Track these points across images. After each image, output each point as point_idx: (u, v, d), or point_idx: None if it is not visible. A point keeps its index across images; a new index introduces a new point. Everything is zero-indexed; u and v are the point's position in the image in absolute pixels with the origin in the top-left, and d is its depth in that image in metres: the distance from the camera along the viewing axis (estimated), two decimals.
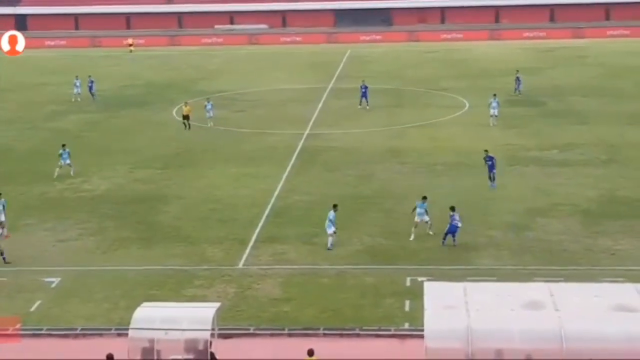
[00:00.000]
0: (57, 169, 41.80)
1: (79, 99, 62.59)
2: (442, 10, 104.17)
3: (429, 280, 25.77)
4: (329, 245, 31.51)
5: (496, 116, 51.76)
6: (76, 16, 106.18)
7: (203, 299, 26.81)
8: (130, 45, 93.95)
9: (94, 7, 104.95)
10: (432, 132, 50.36)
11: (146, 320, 21.49)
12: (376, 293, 27.43)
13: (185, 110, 52.14)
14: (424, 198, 32.81)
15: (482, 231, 32.90)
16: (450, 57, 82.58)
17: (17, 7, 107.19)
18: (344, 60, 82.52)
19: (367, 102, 57.47)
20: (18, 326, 24.90)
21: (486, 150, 39.50)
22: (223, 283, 28.50)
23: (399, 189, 38.68)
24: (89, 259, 30.92)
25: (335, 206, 32.04)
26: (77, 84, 63.17)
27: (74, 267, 30.11)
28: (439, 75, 71.11)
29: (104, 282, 28.79)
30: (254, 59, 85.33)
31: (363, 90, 57.73)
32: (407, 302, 26.34)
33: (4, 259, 30.51)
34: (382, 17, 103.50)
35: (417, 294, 24.44)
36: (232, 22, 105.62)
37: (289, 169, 42.72)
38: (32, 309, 26.65)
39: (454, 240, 31.43)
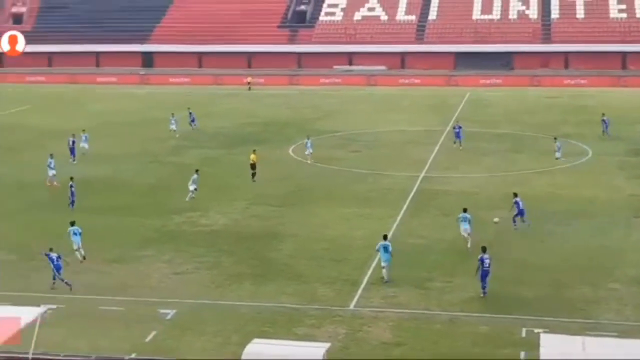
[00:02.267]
0: (190, 193, 43.80)
1: (176, 135, 64.28)
2: (566, 55, 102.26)
3: (545, 332, 25.12)
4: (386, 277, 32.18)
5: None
6: (200, 55, 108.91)
7: (313, 338, 26.75)
8: (249, 83, 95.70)
9: (217, 46, 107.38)
10: (552, 179, 49.27)
11: (257, 356, 21.58)
12: (490, 342, 26.83)
13: (252, 158, 49.82)
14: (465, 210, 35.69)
15: (604, 284, 31.82)
16: (572, 103, 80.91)
17: (145, 45, 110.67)
18: (462, 103, 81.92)
19: (460, 142, 58.14)
20: (133, 355, 25.35)
21: (515, 194, 39.75)
22: (334, 324, 28.40)
23: (515, 237, 37.91)
24: (203, 293, 31.33)
25: (385, 236, 33.16)
26: (173, 120, 65.35)
27: (189, 299, 30.55)
28: (560, 121, 69.70)
29: (217, 316, 29.10)
30: (371, 100, 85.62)
31: (457, 130, 58.82)
32: (523, 354, 25.63)
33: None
34: (503, 61, 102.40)
35: (533, 345, 23.81)
36: (350, 63, 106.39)
37: (403, 211, 42.46)
38: (148, 339, 27.11)
39: (483, 287, 30.49)
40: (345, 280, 32.56)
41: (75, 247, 34.98)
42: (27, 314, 22.28)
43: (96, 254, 35.75)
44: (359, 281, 32.40)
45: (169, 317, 28.95)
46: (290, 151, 58.11)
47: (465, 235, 36.04)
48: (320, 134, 64.70)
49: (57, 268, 31.83)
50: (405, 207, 43.26)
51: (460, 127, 59.06)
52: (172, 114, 66.49)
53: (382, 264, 32.38)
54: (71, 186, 43.12)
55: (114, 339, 27.15)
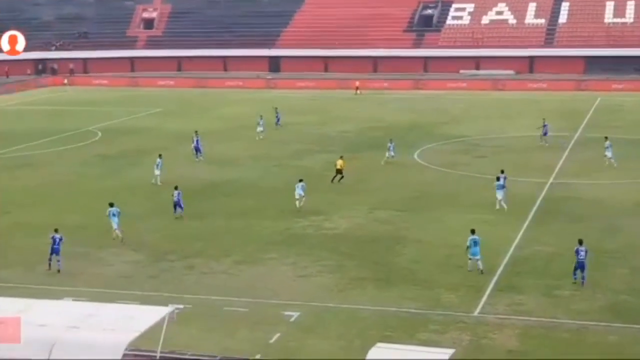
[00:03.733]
0: (297, 201, 43.60)
1: (261, 137, 65.32)
2: None
3: None
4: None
5: (609, 157, 52.54)
6: (326, 59, 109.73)
7: (437, 344, 26.44)
8: (357, 87, 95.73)
9: (343, 50, 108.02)
10: None
11: None
12: (619, 353, 26.00)
13: (340, 163, 49.68)
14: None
15: None
16: None
17: (272, 50, 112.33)
18: (592, 108, 79.75)
19: (545, 139, 60.80)
20: (258, 357, 25.66)
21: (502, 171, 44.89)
22: (458, 330, 28.05)
23: None
24: (326, 296, 31.44)
25: (473, 230, 33.98)
26: (261, 122, 66.30)
27: (312, 302, 30.71)
28: None
29: (340, 319, 29.16)
30: (498, 105, 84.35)
31: (544, 127, 61.32)
32: None
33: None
34: (636, 65, 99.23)
35: None
36: (477, 68, 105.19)
37: (530, 217, 41.62)
38: (272, 340, 27.40)
39: (582, 277, 31.62)
40: (469, 286, 32.12)
41: (114, 227, 37.84)
42: (155, 314, 22.80)
43: (222, 256, 36.47)
44: (483, 287, 31.91)
45: (292, 319, 29.17)
46: (415, 156, 57.80)
47: (499, 199, 42.86)
48: (446, 138, 64.14)
49: (56, 251, 34.02)
50: (532, 213, 42.40)
51: (546, 125, 61.05)
52: (261, 115, 67.71)
53: (474, 257, 33.34)
54: (177, 194, 42.69)
55: (239, 340, 27.57)
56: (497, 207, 42.81)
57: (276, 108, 72.45)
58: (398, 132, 67.90)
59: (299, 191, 43.58)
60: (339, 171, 49.57)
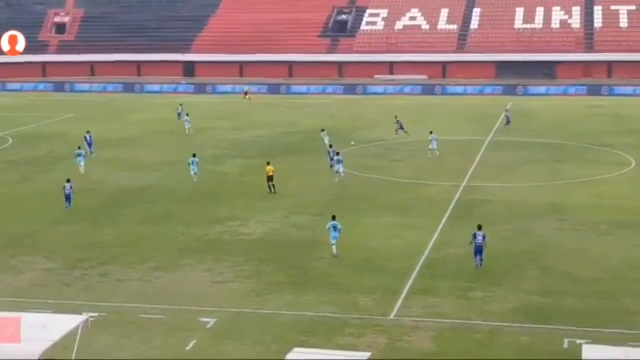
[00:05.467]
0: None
1: (191, 132, 69.99)
2: (609, 64, 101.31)
3: (587, 343, 24.88)
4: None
5: (433, 149, 57.82)
6: (241, 64, 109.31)
7: (354, 347, 26.69)
8: (247, 92, 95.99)
9: (258, 55, 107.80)
10: (595, 189, 48.73)
11: None
12: (531, 353, 26.60)
13: (269, 170, 48.74)
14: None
15: None
16: (616, 112, 79.98)
17: (186, 54, 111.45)
18: (504, 112, 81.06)
19: (400, 132, 66.05)
20: None
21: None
22: (374, 333, 28.32)
23: (558, 246, 37.61)
24: (243, 302, 31.40)
25: (334, 217, 36.74)
26: (187, 119, 71.15)
27: (229, 308, 30.64)
28: (603, 131, 68.93)
29: (257, 325, 29.14)
30: (412, 109, 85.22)
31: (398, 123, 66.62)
32: None
33: None
34: (545, 70, 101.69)
35: (575, 356, 23.57)
36: (391, 72, 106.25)
37: (444, 220, 42.25)
38: (188, 347, 27.24)
39: (480, 261, 33.92)
40: (385, 289, 32.47)
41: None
42: (69, 322, 22.47)
43: (138, 263, 36.08)
44: (399, 290, 32.29)
45: (209, 325, 29.07)
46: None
47: (340, 171, 50.26)
48: (361, 143, 64.59)
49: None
50: (446, 216, 43.05)
51: (398, 121, 67.01)
52: (187, 113, 72.21)
53: (332, 241, 35.98)
54: (69, 187, 44.85)
55: (155, 347, 27.34)
56: (337, 179, 50.14)
57: (181, 104, 75.26)
58: (313, 136, 68.05)
59: (193, 167, 49.78)
60: (270, 178, 48.57)
